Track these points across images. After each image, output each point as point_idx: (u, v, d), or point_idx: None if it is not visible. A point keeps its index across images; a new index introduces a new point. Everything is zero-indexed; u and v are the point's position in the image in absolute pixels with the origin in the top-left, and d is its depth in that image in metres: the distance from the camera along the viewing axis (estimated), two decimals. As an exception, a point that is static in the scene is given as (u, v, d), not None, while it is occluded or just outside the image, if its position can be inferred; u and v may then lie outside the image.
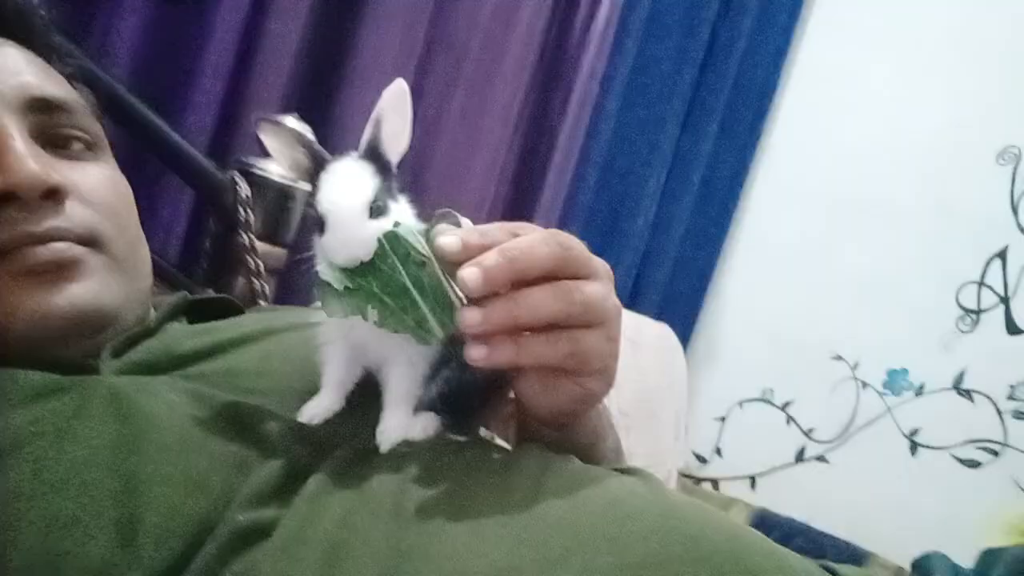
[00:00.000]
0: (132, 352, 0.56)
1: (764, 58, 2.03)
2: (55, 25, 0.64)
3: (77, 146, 0.59)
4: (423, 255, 0.45)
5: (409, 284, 0.45)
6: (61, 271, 0.53)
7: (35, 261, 0.52)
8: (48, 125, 0.57)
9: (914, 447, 1.86)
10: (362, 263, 0.45)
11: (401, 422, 0.50)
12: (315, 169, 0.48)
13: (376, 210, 0.46)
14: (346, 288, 0.45)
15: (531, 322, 0.45)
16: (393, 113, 0.48)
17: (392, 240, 0.45)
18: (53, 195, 0.53)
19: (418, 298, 0.45)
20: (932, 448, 1.84)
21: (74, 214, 0.55)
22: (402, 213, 0.48)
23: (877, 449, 1.89)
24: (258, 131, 0.49)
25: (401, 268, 0.45)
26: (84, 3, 0.93)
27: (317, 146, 0.49)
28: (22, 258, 0.52)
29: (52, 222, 0.53)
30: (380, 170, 0.48)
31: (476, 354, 0.45)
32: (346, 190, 0.46)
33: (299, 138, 0.49)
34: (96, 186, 0.58)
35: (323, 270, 0.46)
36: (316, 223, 0.47)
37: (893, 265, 1.89)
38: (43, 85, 0.57)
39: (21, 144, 0.53)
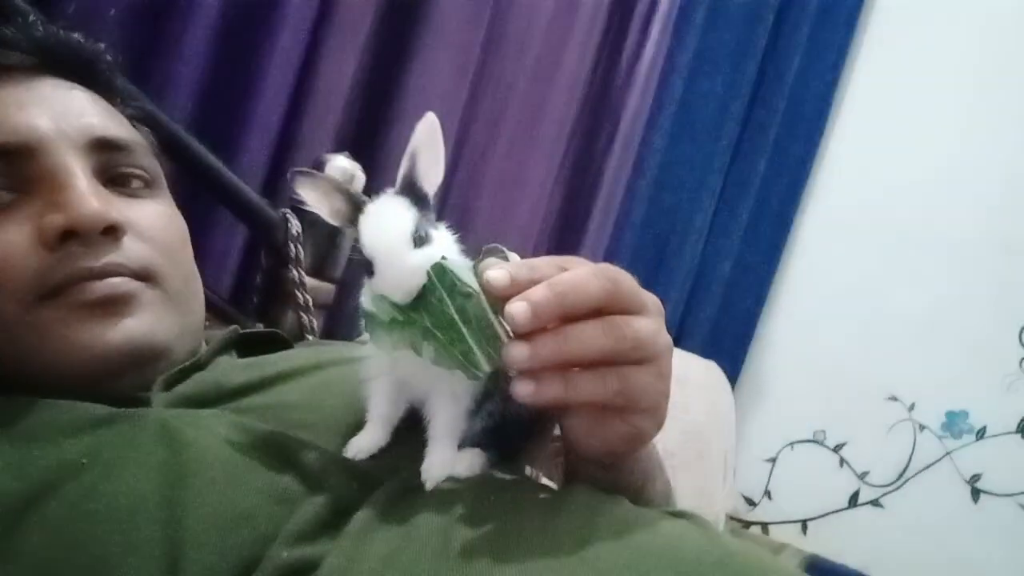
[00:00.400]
0: (183, 385, 0.57)
1: (814, 92, 2.01)
2: (119, 70, 0.67)
3: (136, 184, 0.61)
4: (469, 287, 0.45)
5: (455, 316, 0.45)
6: (117, 305, 0.55)
7: (93, 296, 0.54)
8: (110, 164, 0.59)
9: (976, 493, 1.78)
10: (414, 298, 0.45)
11: (446, 458, 0.50)
12: (355, 213, 0.49)
13: (419, 240, 0.46)
14: (394, 320, 0.46)
15: (580, 358, 0.45)
16: (426, 147, 0.49)
17: (439, 272, 0.45)
18: (112, 231, 0.55)
19: (464, 330, 0.45)
20: (995, 495, 1.76)
21: (131, 250, 0.56)
22: (444, 240, 0.48)
23: (936, 495, 1.82)
24: (295, 186, 0.50)
25: (448, 300, 0.45)
26: (146, 50, 0.97)
27: (353, 190, 0.50)
28: (80, 292, 0.53)
29: (110, 257, 0.55)
30: (417, 202, 0.48)
31: (523, 390, 0.45)
32: (387, 226, 0.47)
33: (335, 185, 0.50)
34: (153, 223, 0.59)
35: (369, 302, 0.46)
36: (364, 266, 0.47)
37: (950, 302, 1.84)
38: (107, 126, 0.60)
39: (84, 182, 0.55)
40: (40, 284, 0.53)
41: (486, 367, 0.45)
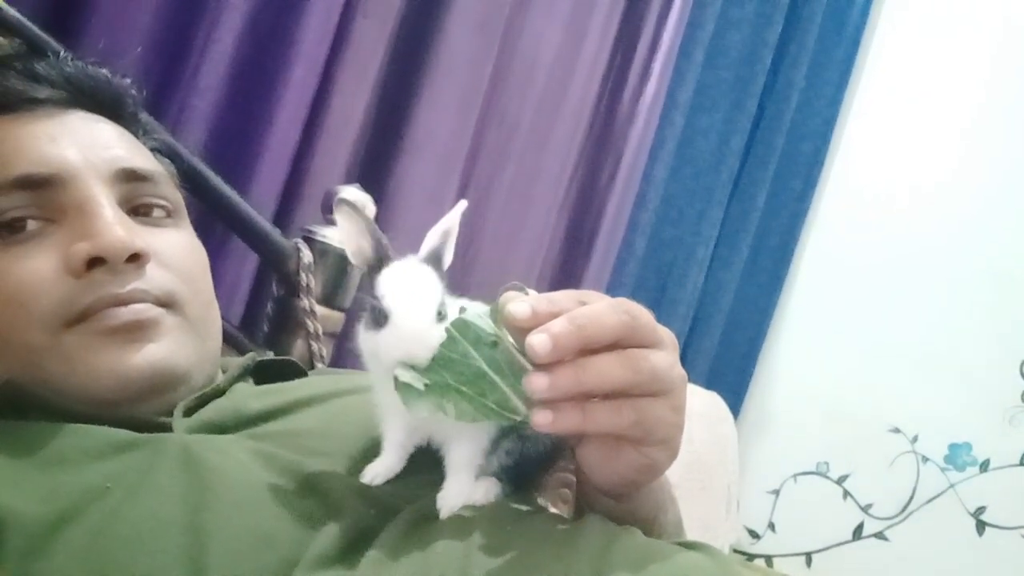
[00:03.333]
0: (202, 411, 0.58)
1: (812, 129, 2.05)
2: (142, 105, 0.69)
3: (158, 213, 0.62)
4: (494, 335, 0.45)
5: (485, 367, 0.45)
6: (140, 331, 0.56)
7: (117, 321, 0.55)
8: (134, 194, 0.60)
9: (981, 526, 1.77)
10: (432, 359, 0.46)
11: (462, 488, 0.51)
12: (376, 260, 0.50)
13: (441, 316, 0.47)
14: (425, 387, 0.45)
15: (597, 389, 0.46)
16: (455, 228, 0.51)
17: (461, 327, 0.45)
18: (136, 259, 0.56)
19: (496, 378, 0.45)
20: (1001, 528, 1.75)
21: (154, 277, 0.58)
22: (456, 311, 0.49)
23: (940, 527, 1.81)
24: (336, 210, 0.51)
25: (474, 352, 0.45)
26: (164, 83, 0.99)
27: (384, 240, 0.51)
28: (105, 318, 0.55)
29: (134, 284, 0.56)
30: (440, 275, 0.50)
31: (542, 419, 0.45)
32: (417, 294, 0.48)
33: (370, 228, 0.51)
34: (175, 251, 0.61)
35: (401, 373, 0.46)
36: (377, 316, 0.48)
37: (951, 336, 1.85)
38: (131, 157, 0.61)
39: (110, 211, 0.57)
40: (66, 310, 0.54)
41: (524, 409, 0.46)
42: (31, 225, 0.56)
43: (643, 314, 0.47)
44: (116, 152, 0.60)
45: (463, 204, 0.52)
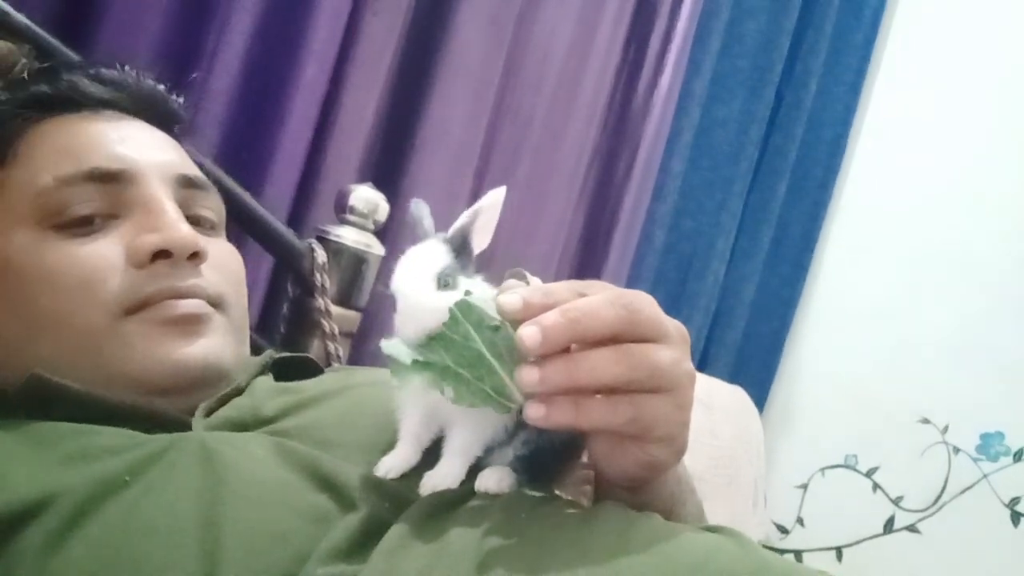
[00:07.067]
0: (222, 409, 0.59)
1: (832, 116, 2.02)
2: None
3: (207, 224, 0.65)
4: (496, 319, 0.45)
5: (484, 350, 0.45)
6: (195, 324, 0.59)
7: (177, 313, 0.58)
8: (189, 201, 0.64)
9: (1016, 517, 1.74)
10: (433, 337, 0.46)
11: (450, 472, 0.51)
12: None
13: (444, 282, 0.48)
14: (416, 362, 0.46)
15: (591, 384, 0.45)
16: (488, 212, 0.52)
17: (464, 308, 0.45)
18: (196, 257, 0.60)
19: (495, 363, 0.45)
20: (1037, 518, 1.72)
21: (208, 277, 0.61)
22: (476, 290, 0.49)
23: (974, 519, 1.77)
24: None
25: (475, 335, 0.45)
26: (175, 87, 0.99)
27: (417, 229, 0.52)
28: (165, 308, 0.58)
29: (193, 280, 0.59)
30: (459, 252, 0.50)
31: (534, 413, 0.45)
32: (415, 265, 0.49)
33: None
34: (223, 257, 0.65)
35: (387, 345, 0.47)
36: (392, 302, 0.48)
37: (980, 321, 1.81)
38: (189, 166, 0.65)
39: (173, 211, 0.60)
40: (129, 297, 0.57)
41: (519, 398, 0.46)
42: (96, 222, 0.59)
43: (646, 307, 0.46)
44: (175, 159, 0.64)
45: (502, 190, 0.53)
